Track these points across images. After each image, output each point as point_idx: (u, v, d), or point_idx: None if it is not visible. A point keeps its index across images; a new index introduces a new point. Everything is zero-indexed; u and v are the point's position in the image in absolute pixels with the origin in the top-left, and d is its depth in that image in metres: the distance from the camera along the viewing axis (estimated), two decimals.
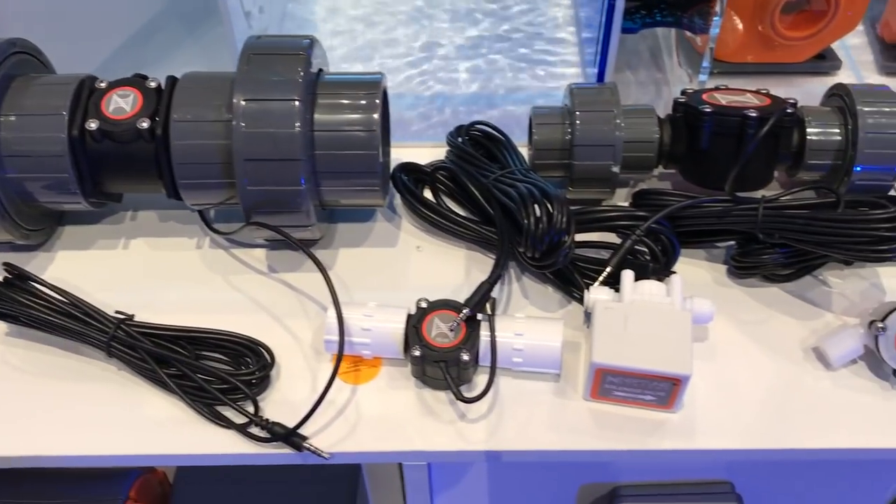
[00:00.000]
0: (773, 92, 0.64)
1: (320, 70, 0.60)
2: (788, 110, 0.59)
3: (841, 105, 0.62)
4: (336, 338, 0.54)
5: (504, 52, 0.82)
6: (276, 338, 0.58)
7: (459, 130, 0.67)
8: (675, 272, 0.57)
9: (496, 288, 0.61)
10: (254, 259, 0.64)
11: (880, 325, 0.54)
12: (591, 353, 0.52)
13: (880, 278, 0.62)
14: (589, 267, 0.59)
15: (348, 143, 0.57)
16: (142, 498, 0.65)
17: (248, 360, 0.56)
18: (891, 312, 0.54)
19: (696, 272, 0.62)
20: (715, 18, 0.62)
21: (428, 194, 0.67)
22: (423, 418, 0.54)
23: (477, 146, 0.68)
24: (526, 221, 0.55)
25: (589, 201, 0.65)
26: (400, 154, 0.70)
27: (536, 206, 0.55)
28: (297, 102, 0.54)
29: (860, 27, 0.80)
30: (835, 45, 0.78)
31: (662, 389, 0.52)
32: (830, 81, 0.76)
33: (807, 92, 0.70)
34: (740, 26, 0.71)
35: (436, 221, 0.64)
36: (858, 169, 0.60)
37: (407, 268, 0.63)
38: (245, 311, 0.60)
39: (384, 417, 0.54)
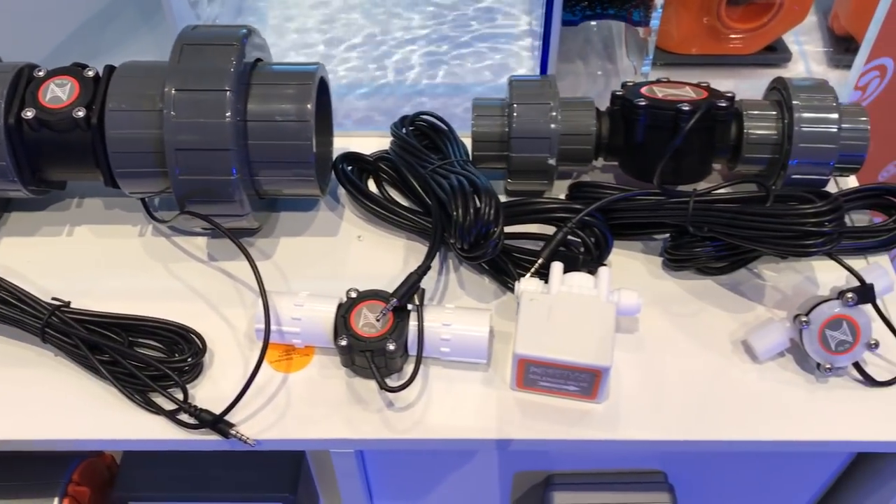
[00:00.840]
0: (722, 84, 0.64)
1: (258, 60, 0.60)
2: (722, 104, 0.59)
3: (779, 99, 0.62)
4: (263, 327, 0.55)
5: (460, 42, 0.82)
6: (211, 326, 0.59)
7: (403, 121, 0.67)
8: (605, 264, 0.58)
9: (432, 278, 0.62)
10: (194, 247, 0.64)
11: (804, 319, 0.54)
12: (514, 343, 0.52)
13: (814, 272, 0.62)
14: (525, 258, 0.60)
15: (281, 132, 0.57)
16: (85, 481, 0.66)
17: (181, 347, 0.57)
18: (815, 307, 0.55)
19: (632, 264, 0.63)
20: (655, 11, 0.62)
21: (372, 184, 0.68)
22: (352, 406, 0.55)
23: (422, 136, 0.68)
24: (455, 213, 0.55)
25: (528, 192, 0.66)
26: (348, 143, 0.70)
27: (465, 198, 0.55)
28: (227, 92, 0.55)
29: (814, 18, 0.80)
30: (788, 37, 0.78)
31: (585, 380, 0.53)
32: (780, 73, 0.76)
33: (756, 84, 0.70)
34: (688, 18, 0.71)
35: (376, 212, 0.64)
36: (794, 163, 0.61)
37: (347, 257, 0.64)
38: (183, 298, 0.61)
39: (313, 405, 0.55)
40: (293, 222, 0.66)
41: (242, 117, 0.57)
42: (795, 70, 0.76)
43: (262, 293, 0.54)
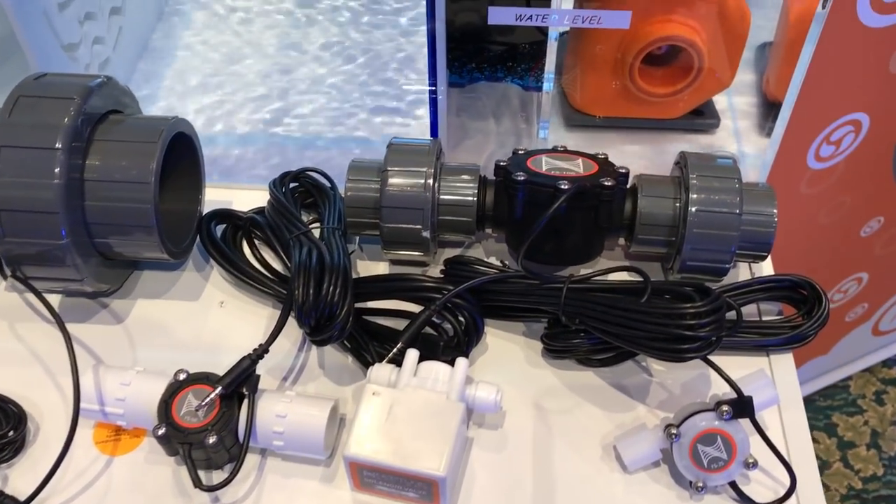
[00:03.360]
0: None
1: (110, 112, 0.56)
2: (607, 182, 0.54)
3: (680, 176, 0.57)
4: (87, 406, 0.51)
5: (370, 97, 0.78)
6: (45, 396, 0.55)
7: (285, 177, 0.63)
8: (463, 356, 0.52)
9: (290, 353, 0.57)
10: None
11: (674, 431, 0.49)
12: (346, 443, 0.47)
13: (709, 370, 0.56)
14: (390, 338, 0.55)
15: (120, 193, 0.53)
16: None
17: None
18: (688, 417, 0.49)
19: (510, 349, 0.57)
20: (547, 75, 0.57)
21: (247, 244, 0.63)
22: (174, 499, 0.50)
23: (307, 194, 0.64)
24: (295, 292, 0.51)
25: (409, 262, 0.61)
26: (232, 196, 0.66)
27: (307, 276, 0.51)
28: (58, 151, 0.51)
29: (754, 82, 0.74)
30: (722, 100, 0.72)
31: (423, 488, 0.48)
32: (707, 139, 0.71)
33: (677, 150, 0.65)
34: (597, 81, 0.66)
35: (239, 277, 0.60)
36: (688, 248, 0.55)
37: (204, 326, 0.59)
38: (21, 363, 0.56)
39: (133, 495, 0.50)
40: (155, 283, 0.61)
41: (79, 175, 0.52)
42: (724, 137, 0.70)
43: (74, 372, 0.50)
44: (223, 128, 0.75)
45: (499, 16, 0.53)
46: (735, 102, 0.73)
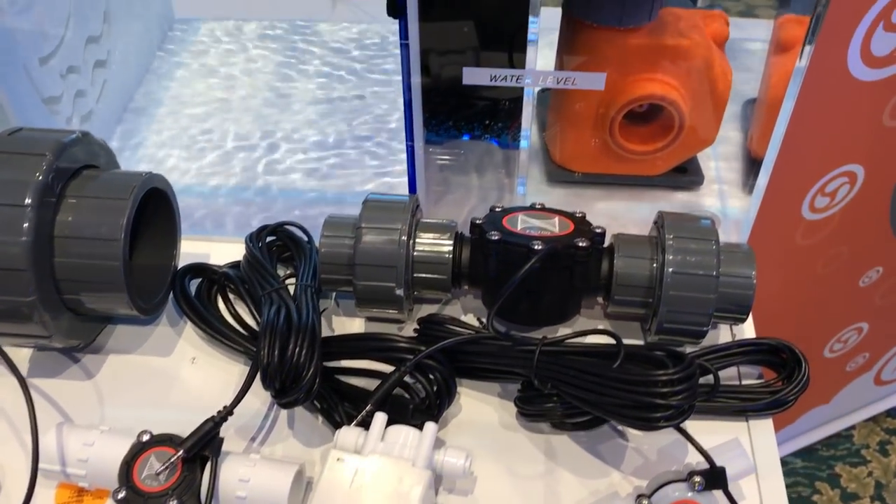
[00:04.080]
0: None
1: (84, 167, 0.56)
2: (582, 243, 0.53)
3: (657, 236, 0.56)
4: (48, 466, 0.50)
5: (356, 151, 0.79)
6: (9, 453, 0.54)
7: (262, 231, 0.62)
8: (433, 420, 0.51)
9: (259, 413, 0.56)
10: (16, 360, 0.59)
11: (645, 502, 0.48)
12: None
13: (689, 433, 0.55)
14: (360, 399, 0.54)
15: (89, 250, 0.52)
16: None
17: None
18: (660, 487, 0.48)
19: (484, 411, 0.56)
20: (524, 131, 0.57)
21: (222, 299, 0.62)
22: None
23: (284, 248, 0.63)
24: (260, 353, 0.50)
25: (384, 319, 0.60)
26: (212, 249, 0.66)
27: (273, 337, 0.50)
28: (27, 208, 0.50)
29: (739, 139, 0.74)
30: (709, 157, 0.72)
31: None
32: (691, 196, 0.70)
33: (660, 208, 0.64)
34: (576, 138, 0.65)
35: (210, 333, 0.59)
36: (664, 310, 0.54)
37: (175, 382, 0.58)
38: None
39: None
40: (127, 338, 0.61)
41: (49, 232, 0.52)
42: (708, 195, 0.70)
43: (34, 432, 0.49)
44: (206, 180, 0.75)
45: (473, 76, 0.53)
46: (720, 159, 0.72)
